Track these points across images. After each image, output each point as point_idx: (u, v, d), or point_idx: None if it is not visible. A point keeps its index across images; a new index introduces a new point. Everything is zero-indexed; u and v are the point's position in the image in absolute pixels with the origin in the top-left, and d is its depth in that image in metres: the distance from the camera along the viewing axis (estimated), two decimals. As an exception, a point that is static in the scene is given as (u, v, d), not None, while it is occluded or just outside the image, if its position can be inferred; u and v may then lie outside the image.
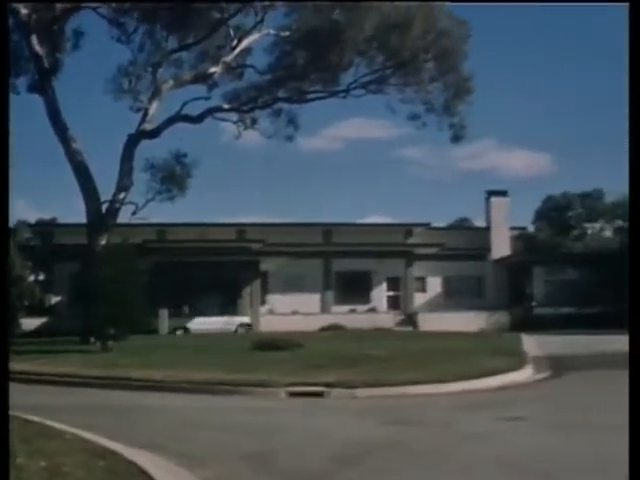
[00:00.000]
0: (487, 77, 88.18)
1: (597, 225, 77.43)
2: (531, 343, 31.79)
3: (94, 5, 34.89)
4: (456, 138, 39.23)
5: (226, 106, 39.13)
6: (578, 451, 11.19)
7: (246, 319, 44.99)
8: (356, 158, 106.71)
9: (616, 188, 79.70)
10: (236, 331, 42.78)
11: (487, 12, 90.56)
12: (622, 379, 20.70)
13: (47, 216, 61.31)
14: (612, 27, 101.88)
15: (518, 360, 23.79)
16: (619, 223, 71.61)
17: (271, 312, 46.92)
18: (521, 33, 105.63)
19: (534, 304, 48.58)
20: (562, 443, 11.75)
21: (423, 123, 38.90)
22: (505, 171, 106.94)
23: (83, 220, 34.83)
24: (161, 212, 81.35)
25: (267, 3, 36.04)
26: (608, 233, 75.13)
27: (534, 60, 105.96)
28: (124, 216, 35.39)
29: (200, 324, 42.71)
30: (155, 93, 36.20)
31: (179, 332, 42.31)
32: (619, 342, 32.10)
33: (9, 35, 29.51)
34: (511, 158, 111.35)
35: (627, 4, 8.55)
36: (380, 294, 51.04)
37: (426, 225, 54.07)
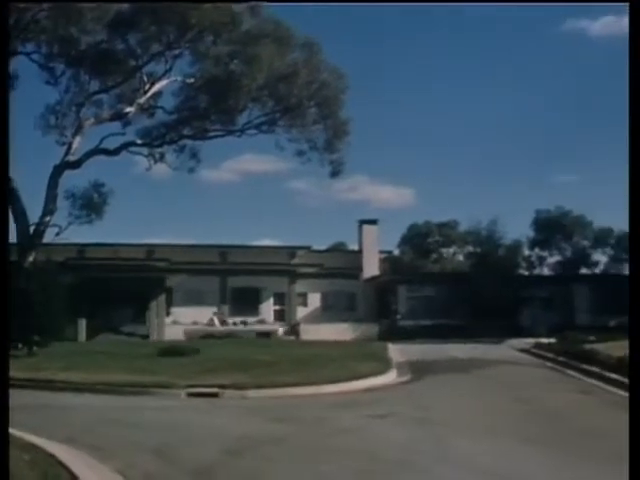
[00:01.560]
0: (364, 121, 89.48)
1: (451, 250, 78.93)
2: (396, 351, 32.07)
3: (28, 51, 34.68)
4: (335, 173, 39.64)
5: (139, 141, 38.90)
6: (432, 443, 11.50)
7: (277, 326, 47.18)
8: (250, 189, 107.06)
9: (468, 218, 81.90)
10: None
11: (364, 62, 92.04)
12: (471, 381, 21.43)
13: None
14: (468, 74, 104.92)
15: (385, 365, 24.02)
16: (469, 248, 73.25)
17: (175, 322, 46.47)
18: (389, 83, 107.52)
19: (398, 317, 49.09)
20: (420, 436, 12.09)
21: (308, 159, 39.24)
22: (376, 202, 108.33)
23: (13, 240, 34.35)
24: (81, 233, 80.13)
25: (177, 52, 36.13)
26: (460, 257, 76.64)
27: (402, 110, 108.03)
28: (49, 237, 35.02)
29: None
30: (78, 129, 35.91)
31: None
32: (469, 350, 33.10)
33: (9, 37, 28.92)
34: (381, 192, 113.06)
35: (627, 4, 8.33)
36: (268, 307, 50.97)
37: (308, 248, 54.34)
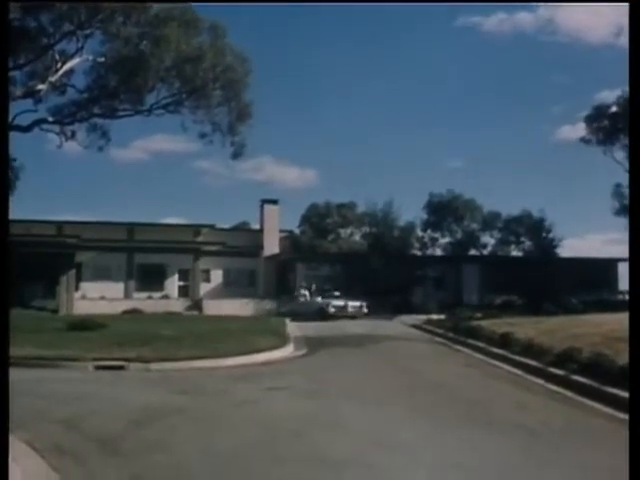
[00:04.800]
0: (268, 104, 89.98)
1: (349, 231, 79.58)
2: (293, 326, 32.47)
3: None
4: (236, 155, 39.42)
5: (50, 119, 38.11)
6: (325, 413, 11.84)
7: (357, 303, 42.61)
8: (158, 168, 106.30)
9: (366, 200, 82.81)
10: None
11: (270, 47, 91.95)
12: (363, 355, 21.85)
13: None
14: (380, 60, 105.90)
15: (282, 340, 24.37)
16: (366, 229, 74.03)
17: (83, 297, 46.00)
18: (296, 65, 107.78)
19: (297, 294, 49.66)
20: (313, 407, 12.41)
21: (210, 141, 39.12)
22: (279, 183, 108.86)
23: None
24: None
25: (88, 32, 35.48)
26: (357, 237, 77.33)
27: (306, 92, 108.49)
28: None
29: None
30: (-9, 106, 35.04)
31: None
32: (363, 325, 33.67)
33: (9, 35, 27.80)
34: (285, 172, 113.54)
35: (627, 4, 8.01)
36: (173, 283, 50.89)
37: (212, 226, 54.35)
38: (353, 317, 40.73)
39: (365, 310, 42.35)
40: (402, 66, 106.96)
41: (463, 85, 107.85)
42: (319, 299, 43.64)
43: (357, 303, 42.72)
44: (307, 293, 45.68)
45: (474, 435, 10.22)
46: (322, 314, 40.67)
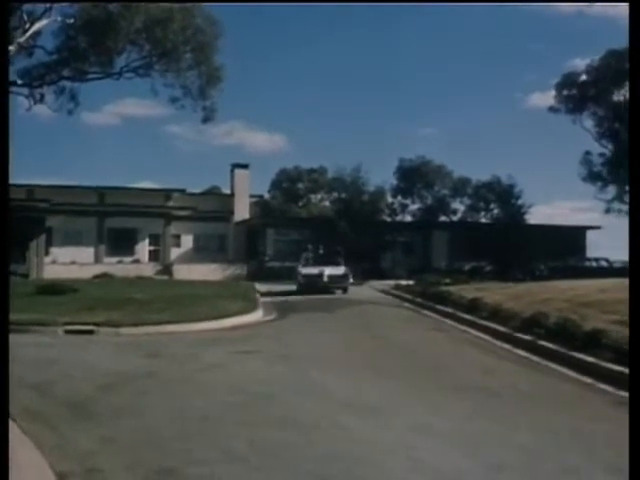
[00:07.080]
0: (240, 69, 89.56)
1: (319, 196, 79.40)
2: (263, 291, 32.36)
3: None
4: (206, 119, 39.34)
5: (19, 82, 37.57)
6: (295, 377, 11.91)
7: (339, 270, 33.03)
8: (131, 132, 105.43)
9: (335, 165, 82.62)
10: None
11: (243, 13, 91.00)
12: (333, 319, 21.89)
13: None
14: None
15: (252, 304, 24.32)
16: (335, 195, 73.84)
17: (53, 262, 45.58)
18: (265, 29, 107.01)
19: (266, 258, 49.65)
20: (283, 371, 12.47)
21: (181, 105, 38.86)
22: (250, 148, 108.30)
23: None
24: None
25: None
26: (327, 203, 77.09)
27: (278, 56, 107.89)
28: None
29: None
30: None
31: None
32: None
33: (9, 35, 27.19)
34: (255, 137, 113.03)
35: (627, 4, 7.94)
36: (143, 248, 50.60)
37: (182, 191, 54.14)
38: (344, 290, 32.40)
39: (350, 280, 33.72)
40: (374, 31, 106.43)
41: (436, 52, 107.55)
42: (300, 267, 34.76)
43: (339, 270, 33.59)
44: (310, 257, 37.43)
45: (441, 399, 10.34)
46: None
